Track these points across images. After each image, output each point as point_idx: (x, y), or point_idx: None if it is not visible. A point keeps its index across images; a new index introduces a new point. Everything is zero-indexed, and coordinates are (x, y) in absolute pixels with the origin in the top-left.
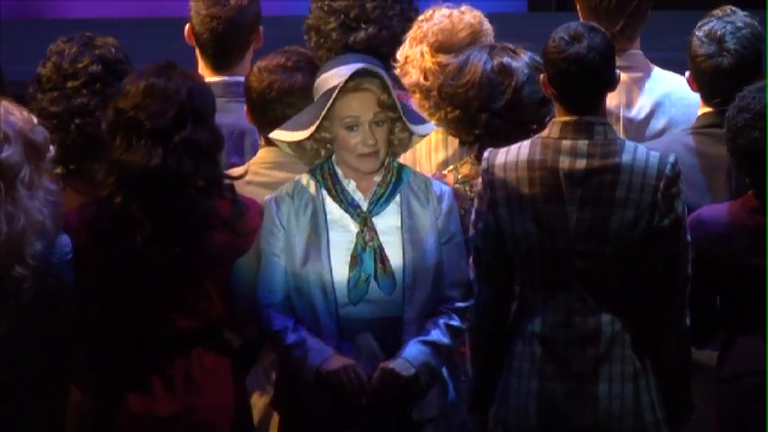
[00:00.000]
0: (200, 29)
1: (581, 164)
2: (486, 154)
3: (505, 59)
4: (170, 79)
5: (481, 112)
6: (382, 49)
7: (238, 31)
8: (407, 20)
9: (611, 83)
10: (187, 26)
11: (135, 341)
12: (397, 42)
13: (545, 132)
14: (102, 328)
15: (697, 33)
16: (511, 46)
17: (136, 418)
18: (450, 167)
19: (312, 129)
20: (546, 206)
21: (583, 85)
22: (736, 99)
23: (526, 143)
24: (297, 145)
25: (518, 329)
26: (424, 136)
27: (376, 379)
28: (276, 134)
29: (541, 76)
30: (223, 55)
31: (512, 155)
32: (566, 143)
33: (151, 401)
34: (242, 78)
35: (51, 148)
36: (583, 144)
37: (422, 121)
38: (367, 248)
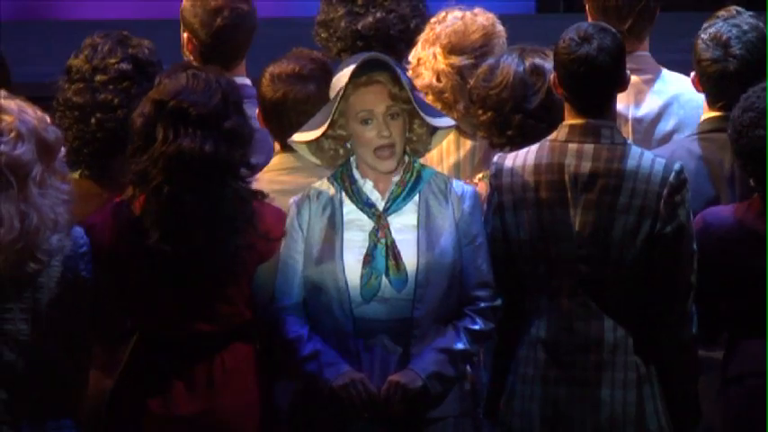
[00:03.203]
0: (207, 40)
1: (586, 167)
2: (495, 158)
3: (537, 60)
4: (203, 71)
5: (514, 114)
6: (392, 32)
7: (241, 40)
8: (415, 6)
9: (622, 83)
10: (185, 35)
11: (157, 342)
12: (406, 25)
13: (553, 135)
14: (122, 328)
15: (702, 36)
16: (541, 48)
17: (156, 418)
18: (481, 175)
19: (326, 125)
20: (551, 210)
21: (592, 86)
22: (741, 99)
23: (534, 147)
24: (316, 147)
25: (523, 334)
26: (441, 129)
27: (384, 392)
28: (294, 137)
29: (551, 76)
30: (226, 61)
31: (519, 159)
32: (572, 146)
33: (172, 402)
34: (244, 80)
35: (63, 148)
36: (589, 147)
37: (439, 115)
38: (378, 245)
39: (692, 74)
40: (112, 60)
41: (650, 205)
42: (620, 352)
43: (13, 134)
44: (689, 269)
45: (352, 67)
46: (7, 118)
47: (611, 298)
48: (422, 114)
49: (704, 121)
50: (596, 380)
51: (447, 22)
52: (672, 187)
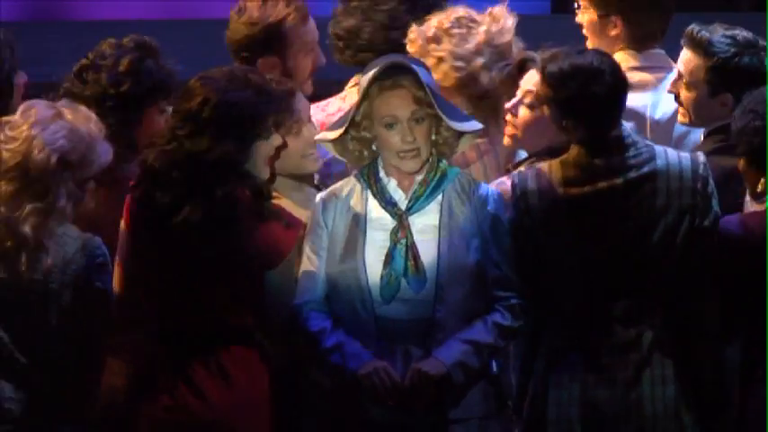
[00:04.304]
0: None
1: (619, 179)
2: (515, 180)
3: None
4: (234, 71)
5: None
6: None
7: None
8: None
9: (623, 96)
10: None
11: (165, 338)
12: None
13: (573, 152)
14: (132, 325)
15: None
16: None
17: (161, 413)
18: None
19: (344, 126)
20: (585, 222)
21: (598, 114)
22: (743, 106)
23: (556, 164)
24: (341, 147)
25: (555, 338)
26: (468, 133)
27: (407, 379)
28: (318, 136)
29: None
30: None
31: (544, 179)
32: (598, 162)
33: (177, 399)
34: None
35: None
36: (617, 160)
37: (465, 118)
38: (398, 246)
39: None
40: (125, 60)
41: (687, 201)
42: (656, 348)
43: (71, 134)
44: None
45: (375, 70)
46: (61, 121)
47: (650, 299)
48: (446, 119)
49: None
50: (636, 379)
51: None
52: (704, 179)
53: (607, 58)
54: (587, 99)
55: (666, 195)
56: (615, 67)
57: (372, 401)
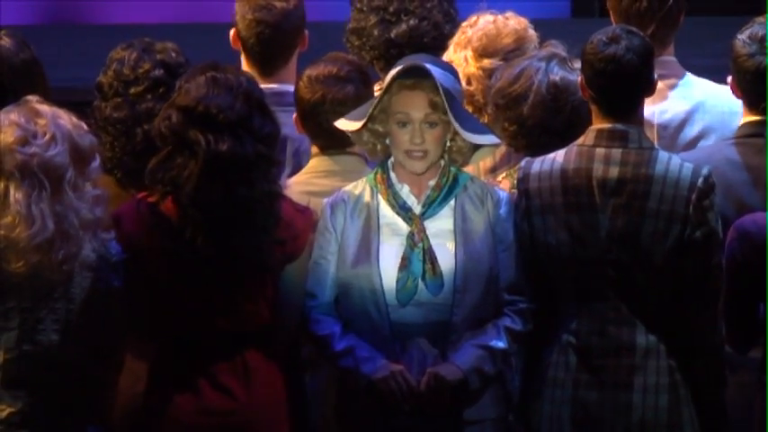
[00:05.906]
0: (246, 34)
1: (614, 172)
2: (522, 163)
3: (562, 75)
4: (225, 72)
5: (537, 130)
6: (425, 40)
7: (284, 36)
8: (447, 12)
9: (649, 86)
10: (232, 31)
11: (182, 340)
12: (440, 33)
13: (580, 140)
14: (149, 327)
15: (739, 36)
16: (563, 53)
17: (182, 416)
18: (504, 174)
19: (362, 122)
20: (579, 215)
21: (620, 85)
22: None
23: (561, 152)
24: (356, 136)
25: (552, 338)
26: (485, 145)
27: (424, 383)
28: (338, 122)
29: (579, 78)
30: (269, 60)
31: (547, 164)
32: (600, 151)
33: (197, 400)
34: (289, 87)
35: (97, 156)
36: (616, 152)
37: (482, 131)
38: (415, 249)
39: (730, 79)
40: (142, 70)
41: (679, 210)
42: (652, 356)
43: (47, 137)
44: (719, 272)
45: (399, 68)
46: (41, 121)
47: (641, 302)
48: (459, 130)
49: (742, 125)
50: (628, 384)
51: (479, 25)
52: (700, 192)
53: (642, 51)
54: (603, 77)
55: (659, 200)
56: (644, 60)
57: (387, 406)
